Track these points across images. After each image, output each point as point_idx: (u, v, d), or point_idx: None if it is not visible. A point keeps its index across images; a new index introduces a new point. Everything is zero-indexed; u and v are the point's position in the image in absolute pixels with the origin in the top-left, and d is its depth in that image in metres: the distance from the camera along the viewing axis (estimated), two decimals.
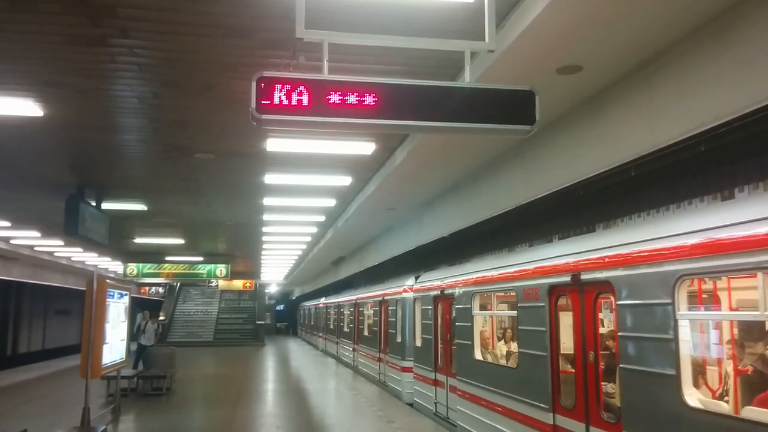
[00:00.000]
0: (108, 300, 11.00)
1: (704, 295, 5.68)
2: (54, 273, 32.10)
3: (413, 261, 16.96)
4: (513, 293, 8.41)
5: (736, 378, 5.24)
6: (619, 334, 5.84)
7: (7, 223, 17.12)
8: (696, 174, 6.86)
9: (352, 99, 4.17)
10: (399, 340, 15.33)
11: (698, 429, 4.75)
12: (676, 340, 5.09)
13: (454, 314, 10.99)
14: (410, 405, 13.83)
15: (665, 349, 5.20)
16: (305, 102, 4.11)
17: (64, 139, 8.87)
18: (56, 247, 23.76)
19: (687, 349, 5.11)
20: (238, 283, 39.25)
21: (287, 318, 61.29)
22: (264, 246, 22.83)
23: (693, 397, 4.93)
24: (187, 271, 27.95)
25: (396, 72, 6.17)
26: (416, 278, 14.58)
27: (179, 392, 15.66)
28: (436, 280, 12.45)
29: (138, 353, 19.01)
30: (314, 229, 18.48)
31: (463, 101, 4.30)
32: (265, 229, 18.20)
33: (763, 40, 4.42)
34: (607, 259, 6.19)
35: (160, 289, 48.27)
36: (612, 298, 6.17)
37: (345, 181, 11.44)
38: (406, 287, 15.14)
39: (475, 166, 9.95)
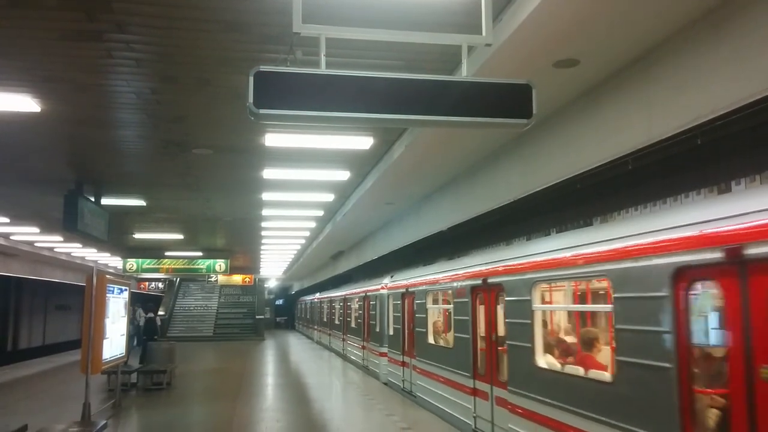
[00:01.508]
0: (108, 295, 11.01)
1: (546, 294, 8.25)
2: (54, 269, 32.13)
3: (412, 255, 16.98)
4: (450, 291, 11.07)
5: (561, 348, 7.78)
6: (506, 320, 8.33)
7: (6, 220, 17.12)
8: (693, 167, 6.87)
9: (349, 93, 4.18)
10: (378, 330, 17.91)
11: (542, 379, 7.24)
12: (532, 324, 7.52)
13: (415, 308, 13.57)
14: (385, 384, 16.30)
15: (527, 329, 7.60)
16: (302, 96, 4.11)
17: (62, 134, 8.87)
18: (56, 243, 23.77)
19: (538, 330, 7.53)
20: (237, 278, 39.33)
21: (286, 312, 61.36)
22: (263, 241, 22.85)
23: (540, 361, 7.37)
24: (187, 267, 27.96)
25: (393, 66, 6.19)
26: (391, 277, 16.51)
27: (179, 387, 15.69)
28: (403, 279, 15.03)
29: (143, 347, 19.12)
30: (313, 224, 18.49)
31: (460, 95, 4.31)
32: (264, 224, 18.22)
33: (760, 33, 4.43)
34: (500, 269, 8.71)
35: (160, 285, 48.35)
36: (504, 296, 8.48)
37: (343, 175, 11.44)
38: (382, 285, 17.30)
39: (473, 159, 9.95)
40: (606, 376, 6.31)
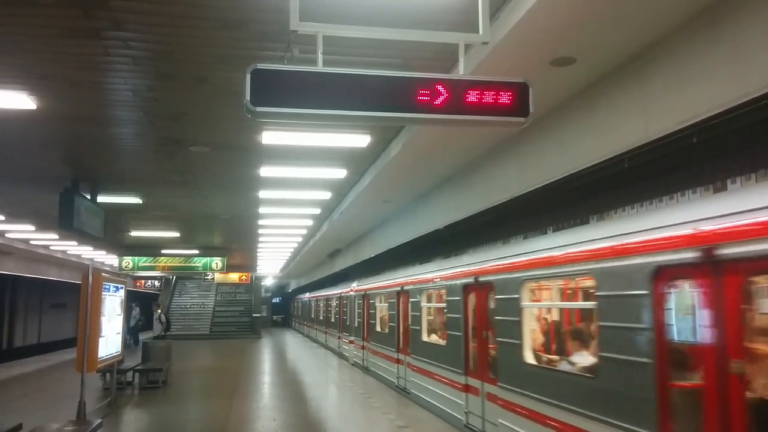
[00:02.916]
0: (103, 293, 10.99)
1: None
2: (49, 267, 32.06)
3: (409, 253, 17.01)
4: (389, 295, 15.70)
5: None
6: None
7: (2, 217, 17.08)
8: (689, 166, 6.89)
9: (346, 91, 4.18)
10: (348, 323, 22.74)
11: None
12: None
13: (369, 306, 18.65)
14: (353, 365, 21.06)
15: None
16: (300, 94, 4.11)
17: (58, 132, 8.85)
18: (51, 241, 23.72)
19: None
20: (234, 276, 39.25)
21: (283, 311, 61.38)
22: (260, 239, 22.83)
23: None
24: (183, 265, 27.91)
25: (390, 64, 6.18)
26: (357, 282, 21.10)
27: (175, 385, 15.68)
28: (363, 285, 19.82)
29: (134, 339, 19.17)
30: (310, 222, 18.49)
31: (457, 93, 4.32)
32: (260, 222, 18.20)
33: (756, 32, 4.44)
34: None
35: (156, 283, 48.25)
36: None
37: (340, 173, 11.44)
38: (350, 288, 21.91)
39: (469, 158, 9.96)
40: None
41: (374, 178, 11.06)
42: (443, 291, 11.24)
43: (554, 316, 8.62)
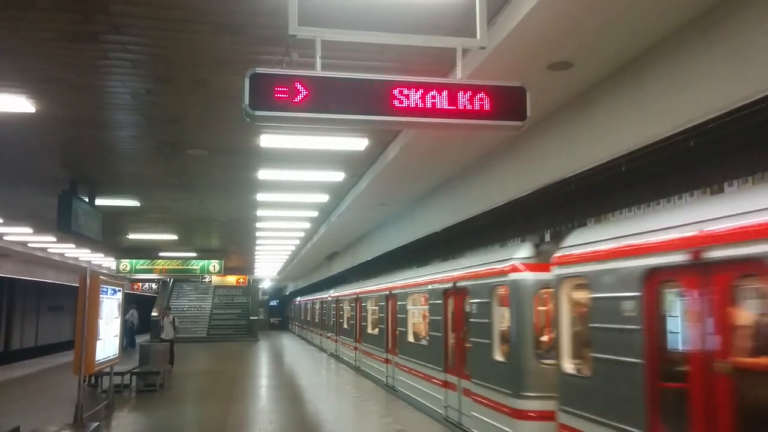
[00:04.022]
0: (101, 296, 10.99)
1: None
2: (47, 269, 31.99)
3: (407, 256, 17.03)
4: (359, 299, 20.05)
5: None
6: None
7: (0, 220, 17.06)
8: (686, 169, 6.92)
9: (344, 95, 4.20)
10: (331, 324, 27.33)
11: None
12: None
13: (341, 309, 24.34)
14: (330, 356, 26.10)
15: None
16: (298, 98, 4.14)
17: (56, 135, 8.86)
18: (49, 244, 23.69)
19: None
20: (231, 279, 39.20)
21: (281, 313, 61.31)
22: (257, 241, 22.84)
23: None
24: (181, 267, 27.91)
25: (389, 68, 6.21)
26: (333, 290, 26.83)
27: (173, 388, 15.67)
28: (336, 292, 25.96)
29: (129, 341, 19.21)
30: (307, 225, 18.50)
31: (455, 97, 4.34)
32: (258, 225, 18.21)
33: (752, 36, 4.47)
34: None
35: (154, 285, 48.17)
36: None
37: (338, 176, 11.46)
38: (328, 295, 27.93)
39: (467, 161, 9.99)
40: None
41: (372, 182, 11.08)
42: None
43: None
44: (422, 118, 4.34)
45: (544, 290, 8.28)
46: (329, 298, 27.50)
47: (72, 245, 24.51)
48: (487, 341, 9.15)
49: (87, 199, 12.30)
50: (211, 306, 41.26)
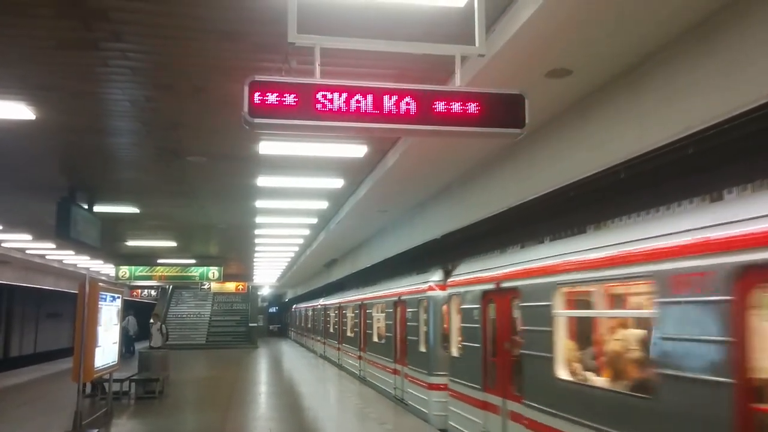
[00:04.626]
0: (100, 303, 10.97)
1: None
2: (46, 276, 31.97)
3: (407, 262, 17.02)
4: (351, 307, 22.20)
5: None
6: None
7: None
8: (685, 176, 6.92)
9: (343, 103, 4.21)
10: (320, 328, 30.67)
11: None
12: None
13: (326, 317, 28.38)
14: (314, 354, 31.41)
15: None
16: (297, 106, 4.14)
17: (56, 142, 8.87)
18: (48, 250, 23.67)
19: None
20: (230, 286, 39.17)
21: (280, 320, 61.20)
22: (257, 248, 22.82)
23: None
24: (180, 274, 27.86)
25: (387, 76, 6.22)
26: (324, 298, 29.83)
27: (172, 395, 15.61)
28: (319, 302, 30.55)
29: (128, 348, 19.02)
30: (307, 232, 18.49)
31: (453, 105, 4.35)
32: (257, 232, 18.20)
33: (750, 44, 4.49)
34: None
35: (153, 292, 48.11)
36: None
37: (337, 183, 11.47)
38: (319, 302, 31.03)
39: (466, 168, 10.00)
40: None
41: (371, 188, 11.08)
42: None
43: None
44: (421, 126, 4.34)
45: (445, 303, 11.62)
46: (318, 306, 31.69)
47: (71, 252, 24.50)
48: (416, 338, 13.05)
49: (86, 206, 12.30)
50: (210, 313, 41.14)
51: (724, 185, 6.47)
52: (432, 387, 11.90)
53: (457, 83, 4.56)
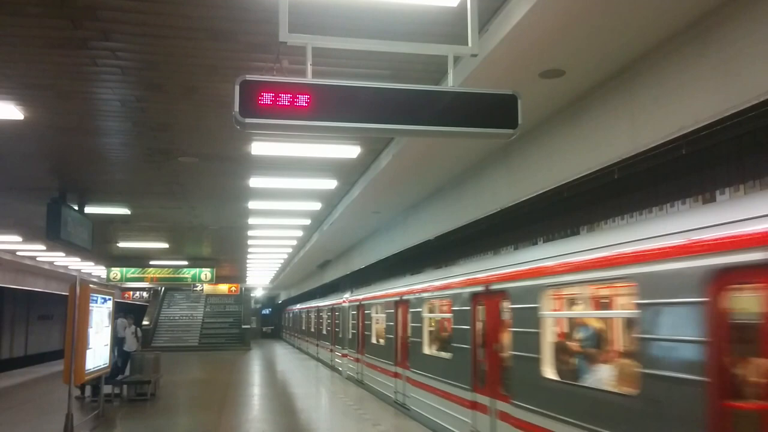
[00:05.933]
0: (91, 305, 10.90)
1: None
2: (36, 278, 31.75)
3: (400, 264, 17.00)
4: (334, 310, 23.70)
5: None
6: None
7: None
8: (678, 177, 6.92)
9: (335, 103, 4.17)
10: (312, 330, 31.39)
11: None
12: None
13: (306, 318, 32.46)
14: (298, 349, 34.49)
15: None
16: (288, 106, 4.09)
17: (45, 142, 8.79)
18: (38, 252, 23.51)
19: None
20: (223, 287, 39.10)
21: (273, 322, 61.04)
22: (249, 250, 22.73)
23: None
24: (172, 276, 27.74)
25: (380, 76, 6.20)
26: (300, 304, 33.56)
27: (164, 398, 15.52)
28: (304, 305, 33.50)
29: (123, 360, 18.05)
30: (300, 233, 18.43)
31: (446, 105, 4.31)
32: (250, 233, 18.13)
33: (741, 45, 4.48)
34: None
35: (144, 294, 47.91)
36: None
37: (330, 184, 11.43)
38: (311, 304, 32.08)
39: (459, 169, 9.97)
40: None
41: (364, 189, 11.04)
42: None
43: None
44: (413, 126, 4.30)
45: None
46: (302, 310, 34.39)
47: (62, 254, 24.34)
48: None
49: (76, 207, 12.21)
50: (202, 315, 41.05)
51: (718, 186, 6.48)
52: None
53: (450, 83, 4.52)
